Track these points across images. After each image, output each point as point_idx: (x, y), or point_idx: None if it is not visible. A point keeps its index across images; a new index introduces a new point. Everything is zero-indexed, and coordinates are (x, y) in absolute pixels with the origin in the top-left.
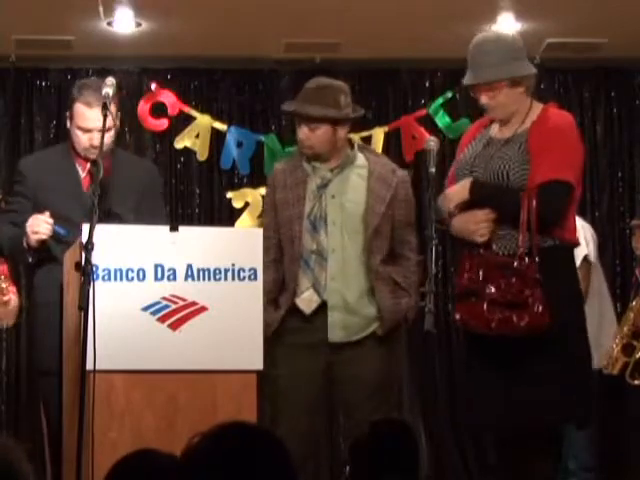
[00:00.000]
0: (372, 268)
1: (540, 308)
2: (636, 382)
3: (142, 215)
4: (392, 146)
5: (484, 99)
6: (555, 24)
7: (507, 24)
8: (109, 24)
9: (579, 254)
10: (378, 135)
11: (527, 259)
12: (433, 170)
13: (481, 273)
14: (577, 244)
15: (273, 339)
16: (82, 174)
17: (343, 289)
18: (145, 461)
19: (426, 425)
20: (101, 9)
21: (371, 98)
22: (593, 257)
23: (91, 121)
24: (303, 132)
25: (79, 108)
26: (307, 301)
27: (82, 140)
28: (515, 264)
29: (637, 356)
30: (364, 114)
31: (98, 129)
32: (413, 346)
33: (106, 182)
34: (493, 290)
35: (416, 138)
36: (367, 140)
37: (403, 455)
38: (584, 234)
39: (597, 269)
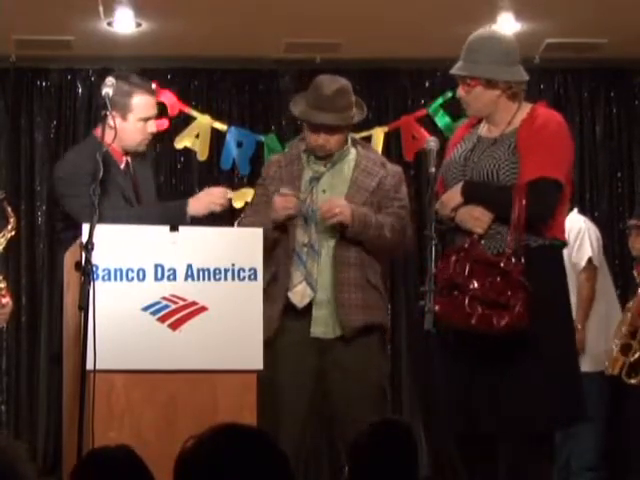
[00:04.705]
0: (344, 261)
1: (520, 310)
2: (632, 381)
3: None
4: (392, 146)
5: (460, 92)
6: (555, 24)
7: (507, 24)
8: (109, 24)
9: (583, 257)
10: (378, 135)
11: (514, 260)
12: (433, 170)
13: (467, 268)
14: (566, 244)
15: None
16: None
17: (330, 285)
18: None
19: (426, 425)
20: (101, 9)
21: (371, 98)
22: (597, 260)
23: (154, 108)
24: (323, 138)
25: (144, 97)
26: (300, 295)
27: (140, 132)
28: (502, 264)
29: (636, 356)
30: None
31: (155, 116)
32: (413, 346)
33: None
34: (476, 286)
35: (416, 138)
36: (367, 140)
37: (403, 455)
38: (589, 236)
39: (603, 271)
